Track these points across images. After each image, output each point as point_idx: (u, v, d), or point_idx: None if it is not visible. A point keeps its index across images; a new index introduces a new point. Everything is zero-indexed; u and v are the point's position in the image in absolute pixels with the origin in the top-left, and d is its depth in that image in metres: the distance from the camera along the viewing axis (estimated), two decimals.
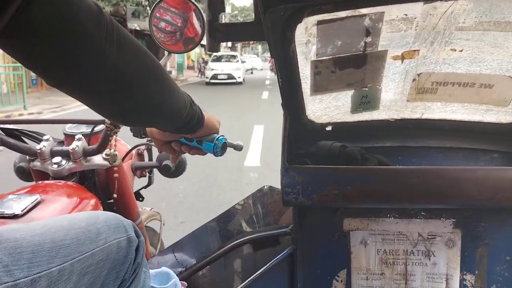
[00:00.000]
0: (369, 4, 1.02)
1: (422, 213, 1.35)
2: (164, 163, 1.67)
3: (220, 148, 0.99)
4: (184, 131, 0.91)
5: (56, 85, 0.60)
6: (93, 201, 1.29)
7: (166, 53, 1.32)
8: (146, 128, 0.99)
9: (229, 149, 1.02)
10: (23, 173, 1.51)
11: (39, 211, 1.12)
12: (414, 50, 1.17)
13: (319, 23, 1.07)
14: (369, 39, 1.12)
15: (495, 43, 1.17)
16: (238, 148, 1.05)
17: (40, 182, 1.37)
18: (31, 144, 1.45)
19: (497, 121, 1.36)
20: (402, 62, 1.20)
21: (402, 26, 1.10)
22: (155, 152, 1.70)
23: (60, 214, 1.14)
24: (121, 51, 0.61)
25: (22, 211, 1.07)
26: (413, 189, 1.21)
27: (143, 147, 1.75)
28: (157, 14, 1.28)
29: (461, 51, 1.18)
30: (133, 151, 1.73)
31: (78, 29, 0.54)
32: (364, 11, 1.05)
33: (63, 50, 0.54)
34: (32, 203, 1.11)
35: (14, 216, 1.05)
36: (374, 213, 1.37)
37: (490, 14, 1.08)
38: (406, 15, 1.08)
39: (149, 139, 1.59)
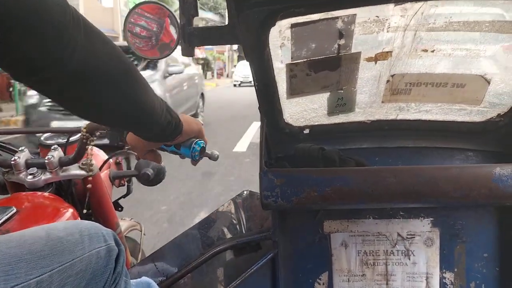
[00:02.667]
0: (340, 6, 1.04)
1: (401, 212, 1.37)
2: (142, 171, 1.65)
3: (198, 152, 0.99)
4: (164, 138, 0.91)
5: (20, 78, 0.58)
6: (70, 212, 1.26)
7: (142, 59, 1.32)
8: (126, 138, 0.98)
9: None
10: None
11: (14, 223, 1.09)
12: (387, 52, 1.19)
13: (293, 26, 1.08)
14: (342, 42, 1.13)
15: (465, 43, 1.20)
16: (214, 157, 1.05)
17: (15, 193, 1.34)
18: (5, 155, 1.42)
19: (470, 120, 1.39)
20: (375, 63, 1.22)
21: (374, 28, 1.12)
22: (133, 160, 1.69)
23: (37, 225, 1.11)
24: (88, 40, 0.59)
25: None
26: (390, 188, 1.22)
27: (121, 156, 1.73)
28: (132, 20, 1.28)
29: (433, 51, 1.20)
30: (111, 160, 1.71)
31: (44, 17, 0.53)
32: (336, 13, 1.06)
33: (29, 37, 0.53)
34: (7, 215, 1.09)
35: None
36: (354, 214, 1.38)
37: (459, 14, 1.11)
38: (377, 17, 1.10)
39: (128, 147, 1.58)
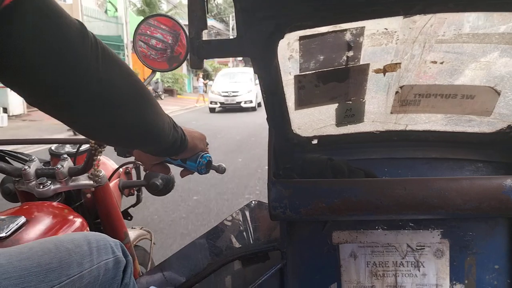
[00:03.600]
0: (349, 19, 1.04)
1: (410, 224, 1.35)
2: (152, 181, 1.66)
3: (204, 166, 0.99)
4: (170, 154, 0.91)
5: (37, 103, 0.58)
6: (79, 222, 1.27)
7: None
8: (133, 152, 0.99)
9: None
10: (9, 194, 1.50)
11: (24, 233, 1.10)
12: (396, 63, 1.19)
13: (301, 38, 1.08)
14: (350, 53, 1.13)
15: (474, 55, 1.19)
16: (221, 170, 1.05)
17: (25, 203, 1.35)
18: (16, 165, 1.43)
19: (480, 131, 1.38)
20: (384, 75, 1.21)
21: (383, 40, 1.12)
22: (143, 170, 1.70)
23: (46, 236, 1.12)
24: (105, 67, 0.60)
25: (6, 233, 1.05)
26: (400, 200, 1.21)
27: (130, 165, 1.74)
28: (147, 32, 1.29)
29: (442, 63, 1.19)
30: (121, 170, 1.72)
31: (65, 45, 0.54)
32: (344, 26, 1.07)
33: (48, 64, 0.53)
34: (17, 224, 1.10)
35: None
36: (363, 225, 1.37)
37: (469, 26, 1.10)
38: (386, 29, 1.10)
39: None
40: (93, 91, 0.59)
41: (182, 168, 1.02)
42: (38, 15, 0.51)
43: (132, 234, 1.78)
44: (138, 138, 0.77)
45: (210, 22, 33.81)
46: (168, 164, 1.02)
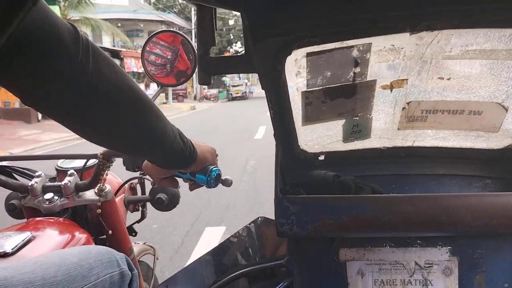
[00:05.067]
0: (356, 36, 1.05)
1: (418, 241, 1.34)
2: (157, 196, 1.66)
3: (214, 180, 0.99)
4: (179, 166, 0.91)
5: (33, 104, 0.59)
6: (85, 237, 1.27)
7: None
8: (142, 165, 0.98)
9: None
10: (14, 211, 1.49)
11: (30, 249, 1.10)
12: (403, 79, 1.19)
13: (308, 55, 1.09)
14: (357, 70, 1.14)
15: (481, 71, 1.19)
16: (228, 183, 1.04)
17: (31, 219, 1.35)
18: (22, 180, 1.43)
19: (488, 147, 1.37)
20: (391, 91, 1.21)
21: (390, 56, 1.12)
22: (148, 185, 1.69)
23: (51, 252, 1.12)
24: (97, 65, 0.60)
25: (12, 249, 1.05)
26: (408, 217, 1.20)
27: (135, 181, 1.74)
28: (147, 48, 1.31)
29: (449, 79, 1.20)
30: (126, 185, 1.72)
31: (56, 42, 0.54)
32: (351, 42, 1.07)
33: (42, 64, 0.54)
34: (22, 240, 1.09)
35: (5, 255, 1.03)
36: (370, 242, 1.36)
37: (476, 43, 1.11)
38: (393, 45, 1.10)
39: (142, 172, 1.58)
40: (85, 90, 0.59)
41: (192, 182, 1.02)
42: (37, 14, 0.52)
43: (136, 249, 1.77)
44: (140, 141, 0.76)
45: (168, 16, 35.08)
46: (176, 178, 1.01)
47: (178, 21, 36.87)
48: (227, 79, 40.02)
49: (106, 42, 29.09)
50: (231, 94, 38.08)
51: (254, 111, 19.69)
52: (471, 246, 1.32)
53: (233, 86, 38.85)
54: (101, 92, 0.63)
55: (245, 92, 38.65)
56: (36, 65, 0.53)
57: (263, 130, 12.33)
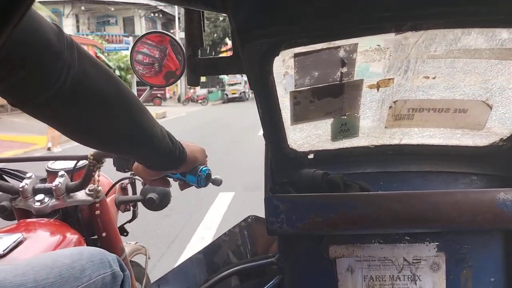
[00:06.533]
0: (342, 36, 1.06)
1: (406, 237, 1.36)
2: (148, 196, 1.66)
3: (204, 179, 1.00)
4: (167, 167, 0.91)
5: (18, 103, 0.59)
6: (76, 238, 1.27)
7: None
8: (133, 167, 0.99)
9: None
10: (5, 212, 1.49)
11: (21, 250, 1.10)
12: (389, 79, 1.21)
13: (296, 55, 1.10)
14: (344, 70, 1.16)
15: (466, 70, 1.21)
16: (217, 182, 1.05)
17: (21, 220, 1.35)
18: (13, 182, 1.43)
19: (474, 145, 1.40)
20: (378, 90, 1.23)
21: (376, 56, 1.14)
22: (139, 185, 1.70)
23: (43, 253, 1.12)
24: (81, 64, 0.60)
25: (3, 251, 1.05)
26: (395, 214, 1.22)
27: (126, 181, 1.74)
28: (135, 49, 1.31)
29: (434, 78, 1.22)
30: (117, 186, 1.72)
31: (40, 40, 0.55)
32: (338, 43, 1.09)
33: (27, 62, 0.54)
34: (14, 242, 1.10)
35: None
36: (359, 239, 1.38)
37: (460, 42, 1.13)
38: (379, 45, 1.12)
39: (133, 172, 1.59)
40: (70, 86, 0.59)
41: (182, 182, 1.03)
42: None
43: (127, 249, 1.78)
44: (128, 141, 0.76)
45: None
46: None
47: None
48: (225, 76, 33.16)
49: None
50: (227, 95, 32.60)
51: (252, 119, 11.48)
52: (458, 241, 1.35)
53: (230, 84, 33.48)
54: (87, 92, 0.63)
55: (243, 92, 32.51)
56: (21, 65, 0.54)
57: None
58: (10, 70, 0.54)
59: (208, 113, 22.29)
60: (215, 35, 33.53)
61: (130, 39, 24.97)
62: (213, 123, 16.30)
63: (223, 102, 31.94)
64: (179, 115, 20.56)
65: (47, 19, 0.58)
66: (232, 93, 32.02)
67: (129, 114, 0.72)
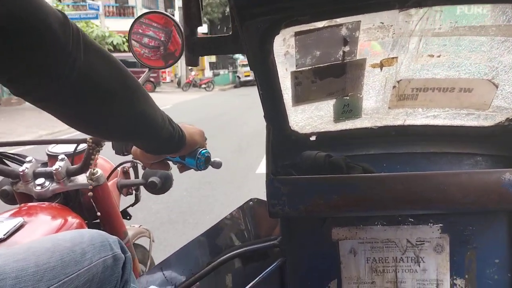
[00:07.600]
0: (344, 14, 1.03)
1: (410, 219, 1.35)
2: (150, 180, 1.66)
3: (203, 162, 0.99)
4: (167, 151, 0.91)
5: (23, 94, 0.58)
6: (77, 222, 1.27)
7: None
8: (131, 150, 0.98)
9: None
10: (7, 197, 1.49)
11: (22, 234, 1.10)
12: (393, 58, 1.18)
13: (297, 34, 1.07)
14: (347, 48, 1.13)
15: (471, 48, 1.18)
16: (216, 165, 1.04)
17: (23, 204, 1.35)
18: (13, 166, 1.43)
19: (479, 125, 1.37)
20: (381, 69, 1.21)
21: (379, 34, 1.11)
22: (141, 169, 1.69)
23: (44, 236, 1.12)
24: (87, 55, 0.60)
25: (4, 235, 1.05)
26: (399, 196, 1.21)
27: (128, 164, 1.74)
28: (139, 30, 1.29)
29: (439, 56, 1.19)
30: (119, 169, 1.72)
31: (45, 32, 0.54)
32: (340, 20, 1.06)
33: (32, 54, 0.53)
34: (15, 226, 1.09)
35: None
36: (362, 221, 1.37)
37: (465, 19, 1.10)
38: (382, 23, 1.09)
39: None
40: (76, 79, 0.59)
41: (181, 165, 1.02)
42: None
43: (131, 232, 1.78)
44: (131, 129, 0.76)
45: None
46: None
47: None
48: (240, 55, 26.50)
49: None
50: (239, 77, 27.95)
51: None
52: (462, 223, 1.33)
53: (243, 65, 27.34)
54: (92, 84, 0.62)
55: None
56: (27, 54, 0.53)
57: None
58: (12, 59, 0.53)
59: (208, 102, 17.91)
60: (222, 8, 32.04)
61: (99, 2, 21.92)
62: (207, 122, 10.82)
63: (235, 86, 27.75)
64: (164, 107, 10.24)
65: (51, 6, 0.56)
66: (246, 75, 27.17)
67: (133, 104, 0.72)
